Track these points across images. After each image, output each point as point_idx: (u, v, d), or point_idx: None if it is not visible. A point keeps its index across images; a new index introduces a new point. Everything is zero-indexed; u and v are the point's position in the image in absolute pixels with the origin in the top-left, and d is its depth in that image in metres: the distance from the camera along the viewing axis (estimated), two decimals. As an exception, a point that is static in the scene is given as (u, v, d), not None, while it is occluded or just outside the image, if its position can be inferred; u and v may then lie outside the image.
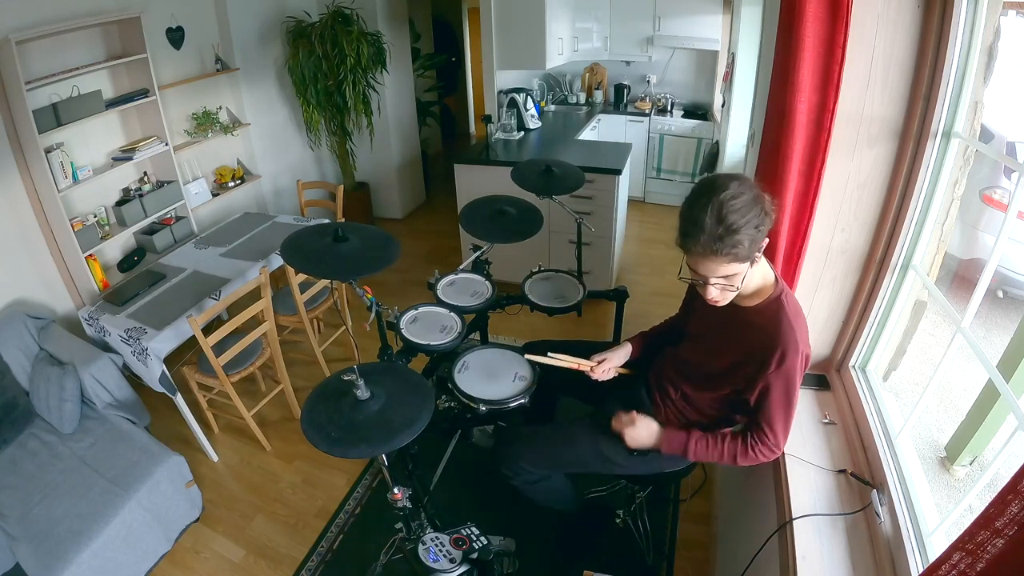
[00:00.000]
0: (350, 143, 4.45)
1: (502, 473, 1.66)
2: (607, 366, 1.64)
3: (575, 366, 1.64)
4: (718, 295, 1.25)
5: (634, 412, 1.49)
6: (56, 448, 2.19)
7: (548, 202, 2.25)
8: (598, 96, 5.21)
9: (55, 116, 2.61)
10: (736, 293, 1.26)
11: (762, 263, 1.30)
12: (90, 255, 2.81)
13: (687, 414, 1.54)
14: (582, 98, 5.27)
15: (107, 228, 2.98)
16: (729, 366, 1.37)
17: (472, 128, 7.32)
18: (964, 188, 1.55)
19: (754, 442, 1.35)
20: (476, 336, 2.35)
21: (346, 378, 1.32)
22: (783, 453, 1.42)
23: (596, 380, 1.66)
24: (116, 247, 3.13)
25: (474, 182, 3.55)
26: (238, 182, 3.75)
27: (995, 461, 1.08)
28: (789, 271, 1.52)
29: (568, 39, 4.34)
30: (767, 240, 1.22)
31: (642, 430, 1.46)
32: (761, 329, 1.28)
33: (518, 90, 4.22)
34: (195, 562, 2.19)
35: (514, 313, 2.15)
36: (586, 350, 1.72)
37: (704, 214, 1.13)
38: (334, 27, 3.81)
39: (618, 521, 2.08)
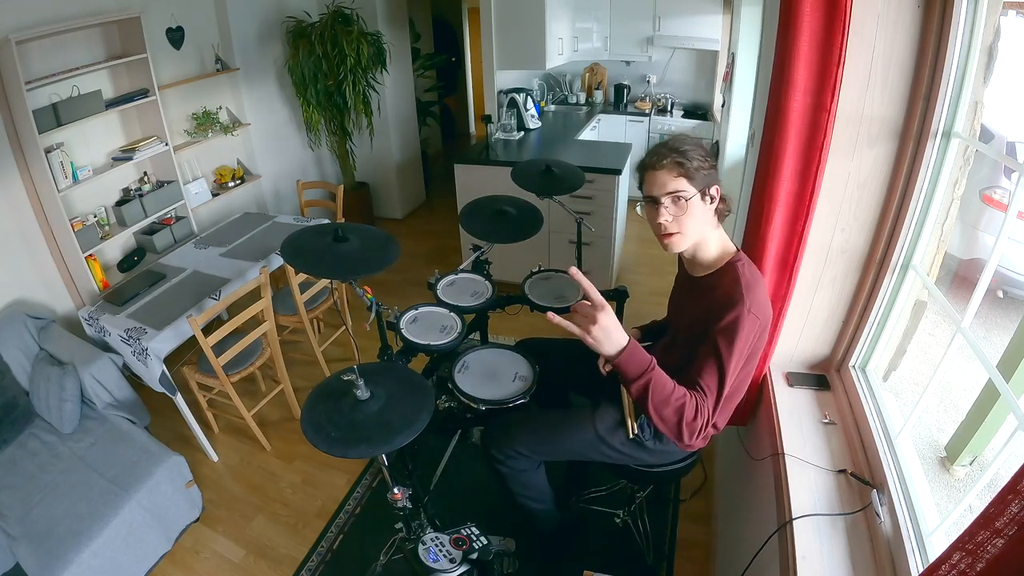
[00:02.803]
0: (350, 143, 4.45)
1: (492, 455, 1.62)
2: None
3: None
4: (669, 217, 1.29)
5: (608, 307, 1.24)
6: (56, 448, 2.19)
7: (548, 202, 2.25)
8: (598, 96, 5.21)
9: (55, 116, 2.61)
10: (687, 222, 1.29)
11: (722, 234, 1.38)
12: (90, 255, 2.81)
13: None
14: (582, 98, 5.27)
15: (107, 228, 2.99)
16: (686, 338, 1.38)
17: (472, 128, 7.32)
18: (964, 188, 1.55)
19: (699, 402, 1.25)
20: (476, 336, 2.35)
21: (346, 378, 1.32)
22: (783, 453, 1.42)
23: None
24: (116, 247, 3.13)
25: (474, 182, 3.55)
26: (238, 182, 3.75)
27: (995, 461, 1.08)
28: (785, 273, 1.51)
29: (568, 39, 4.34)
30: (719, 188, 1.31)
31: (611, 327, 1.20)
32: (713, 290, 1.33)
33: (518, 90, 4.21)
34: (195, 562, 2.19)
35: (514, 313, 2.14)
36: (585, 350, 1.70)
37: (659, 146, 1.33)
38: (334, 27, 3.81)
39: (618, 521, 2.08)
